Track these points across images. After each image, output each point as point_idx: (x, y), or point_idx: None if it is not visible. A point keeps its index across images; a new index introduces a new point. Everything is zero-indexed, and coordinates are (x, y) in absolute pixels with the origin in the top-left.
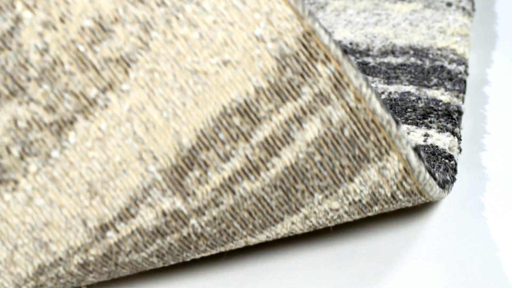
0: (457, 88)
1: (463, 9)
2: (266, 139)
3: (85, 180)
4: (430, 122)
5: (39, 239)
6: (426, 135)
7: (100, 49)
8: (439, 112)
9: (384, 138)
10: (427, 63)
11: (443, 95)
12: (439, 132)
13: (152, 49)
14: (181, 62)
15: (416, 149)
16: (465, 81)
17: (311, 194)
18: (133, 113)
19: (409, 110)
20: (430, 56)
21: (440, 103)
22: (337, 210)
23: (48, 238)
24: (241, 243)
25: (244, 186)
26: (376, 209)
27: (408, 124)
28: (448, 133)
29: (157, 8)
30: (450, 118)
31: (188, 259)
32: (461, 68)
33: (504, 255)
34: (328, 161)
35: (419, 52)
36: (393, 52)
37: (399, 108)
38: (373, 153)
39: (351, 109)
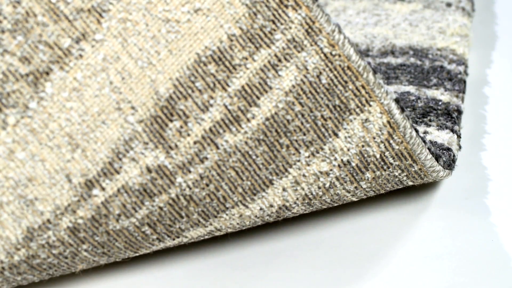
0: (456, 88)
1: (463, 9)
2: (243, 88)
3: (65, 132)
4: (430, 120)
5: (25, 196)
6: (425, 132)
7: (71, 0)
8: (439, 111)
9: (363, 86)
10: (427, 63)
11: (442, 95)
12: (438, 129)
13: None
14: (153, 11)
15: (398, 101)
16: (464, 81)
17: (297, 150)
18: (108, 63)
19: (408, 109)
20: (430, 56)
21: (440, 103)
22: (327, 174)
23: (33, 196)
24: (235, 215)
25: (227, 139)
26: (369, 176)
27: None
28: (447, 131)
29: None
30: (450, 117)
31: (184, 238)
32: (461, 68)
33: (504, 254)
34: (308, 112)
35: (419, 53)
36: (392, 53)
37: None
38: (353, 103)
39: (325, 55)
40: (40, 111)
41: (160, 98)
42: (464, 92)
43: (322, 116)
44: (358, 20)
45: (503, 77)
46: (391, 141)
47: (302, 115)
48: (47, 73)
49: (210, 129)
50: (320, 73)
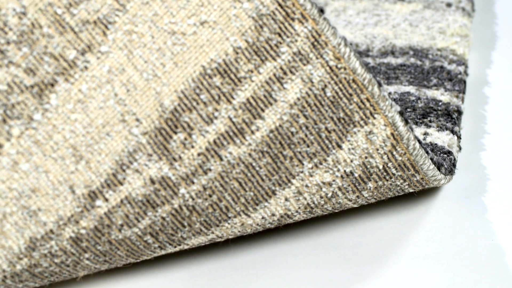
0: (456, 88)
1: (463, 9)
2: (248, 100)
3: (69, 144)
4: (430, 121)
5: (28, 207)
6: (426, 133)
7: (78, 11)
8: (439, 112)
9: (368, 99)
10: (427, 64)
11: (442, 95)
12: (438, 130)
13: (129, 10)
14: (159, 23)
15: (402, 113)
16: (464, 82)
17: (300, 162)
18: (113, 75)
19: (408, 110)
20: (430, 56)
21: (440, 103)
22: (330, 184)
23: (36, 207)
24: (236, 224)
25: (231, 151)
26: (371, 186)
27: None
28: (447, 132)
29: None
30: (450, 117)
31: (186, 246)
32: (461, 68)
33: (504, 254)
34: (313, 124)
35: (419, 53)
36: (393, 53)
37: None
38: (358, 116)
39: (331, 68)
40: (45, 123)
41: (164, 110)
42: (464, 93)
43: (326, 128)
44: (358, 20)
45: (503, 77)
46: (394, 153)
47: (306, 127)
48: (52, 85)
49: (214, 141)
50: (325, 86)
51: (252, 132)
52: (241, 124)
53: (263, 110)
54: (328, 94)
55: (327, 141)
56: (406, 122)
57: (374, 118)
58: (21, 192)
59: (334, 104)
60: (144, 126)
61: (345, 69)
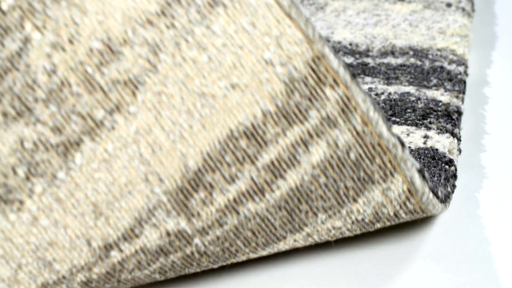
0: (456, 88)
1: (463, 9)
2: (272, 162)
3: (90, 201)
4: (430, 122)
5: (43, 258)
6: (426, 136)
7: (108, 71)
8: (439, 113)
9: (390, 161)
10: (427, 64)
11: (442, 96)
12: (438, 133)
13: (160, 71)
14: (189, 84)
15: (421, 170)
16: (464, 82)
17: (315, 214)
18: (140, 135)
19: (408, 110)
20: (430, 56)
21: (440, 104)
22: (339, 228)
23: (52, 258)
24: (242, 259)
25: (249, 207)
26: (378, 226)
27: (408, 125)
28: (447, 134)
29: (167, 31)
30: (450, 118)
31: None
32: (461, 68)
33: (503, 254)
34: (332, 183)
35: (419, 53)
36: (392, 53)
37: (399, 109)
38: (377, 175)
39: (357, 132)
40: (68, 181)
41: (188, 171)
42: (464, 93)
43: (345, 186)
44: (358, 21)
45: (503, 77)
46: (407, 203)
47: (326, 186)
48: (78, 144)
49: (234, 199)
50: (350, 149)
51: (272, 191)
52: (262, 184)
53: (285, 171)
54: (352, 156)
55: (344, 197)
56: (424, 177)
57: (393, 177)
58: (38, 245)
59: (356, 165)
60: (167, 185)
61: (371, 133)
